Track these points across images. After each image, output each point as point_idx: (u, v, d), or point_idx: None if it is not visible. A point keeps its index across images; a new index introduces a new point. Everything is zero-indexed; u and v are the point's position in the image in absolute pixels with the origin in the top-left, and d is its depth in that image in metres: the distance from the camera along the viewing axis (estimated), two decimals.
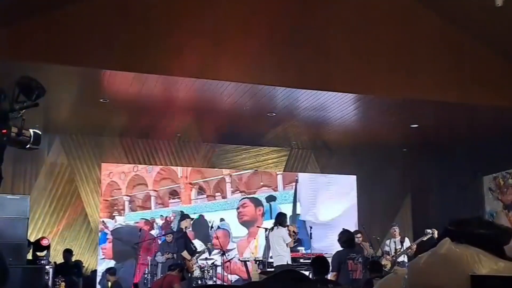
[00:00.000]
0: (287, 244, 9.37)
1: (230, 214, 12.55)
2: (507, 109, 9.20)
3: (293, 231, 10.04)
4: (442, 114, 9.76)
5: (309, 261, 9.10)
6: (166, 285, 8.05)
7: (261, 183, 12.91)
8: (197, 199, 12.59)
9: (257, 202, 12.90)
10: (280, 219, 9.67)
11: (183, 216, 10.97)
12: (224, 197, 12.71)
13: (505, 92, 9.08)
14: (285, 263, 9.17)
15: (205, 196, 12.61)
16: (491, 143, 10.84)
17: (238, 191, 12.79)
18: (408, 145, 12.24)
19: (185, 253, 9.91)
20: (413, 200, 13.27)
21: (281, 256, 9.24)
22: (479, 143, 11.09)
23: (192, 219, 11.03)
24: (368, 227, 11.23)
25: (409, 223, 12.91)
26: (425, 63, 8.80)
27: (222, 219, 11.53)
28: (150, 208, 12.21)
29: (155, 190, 12.30)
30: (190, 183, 12.53)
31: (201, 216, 12.18)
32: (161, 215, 12.17)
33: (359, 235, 10.56)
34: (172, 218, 12.08)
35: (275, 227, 9.57)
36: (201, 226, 12.05)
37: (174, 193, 12.43)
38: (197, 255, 10.51)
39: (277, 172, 13.00)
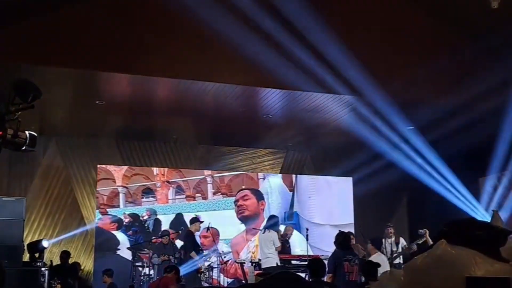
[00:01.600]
0: (276, 248, 9.52)
1: (210, 216, 11.82)
2: (504, 110, 9.22)
3: (281, 235, 10.21)
4: (438, 115, 9.76)
5: (303, 263, 9.22)
6: (162, 286, 8.04)
7: (243, 186, 12.63)
8: (175, 198, 12.16)
9: (259, 195, 12.46)
10: (272, 222, 9.87)
11: (192, 219, 10.96)
12: (205, 198, 12.25)
13: (501, 94, 9.10)
14: (275, 265, 9.39)
15: (184, 196, 12.18)
16: (489, 144, 10.86)
17: (220, 193, 12.41)
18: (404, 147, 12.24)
19: (193, 254, 10.03)
20: (409, 201, 13.27)
21: (270, 259, 9.53)
22: (477, 144, 11.11)
23: (202, 222, 11.03)
24: (365, 228, 11.23)
25: (405, 225, 12.91)
26: (422, 65, 8.80)
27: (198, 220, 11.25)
28: (118, 206, 11.73)
29: (124, 187, 11.84)
30: (168, 182, 12.07)
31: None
32: (124, 213, 11.69)
33: (351, 236, 10.63)
34: (146, 217, 11.86)
35: (266, 230, 9.74)
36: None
37: (148, 191, 11.98)
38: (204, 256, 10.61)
39: (259, 176, 12.76)
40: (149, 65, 7.67)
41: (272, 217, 10.27)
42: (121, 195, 11.75)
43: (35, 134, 2.99)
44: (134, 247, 10.96)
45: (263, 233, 9.99)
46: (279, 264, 9.49)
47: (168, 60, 7.76)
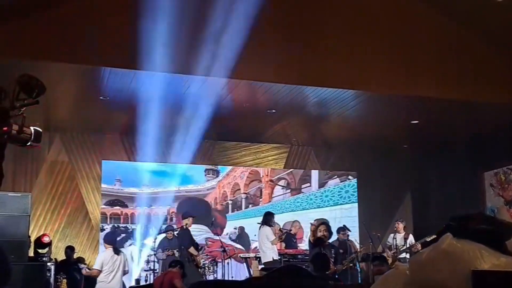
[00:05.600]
0: (271, 242, 9.71)
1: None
2: (508, 105, 9.19)
3: (280, 230, 10.33)
4: (442, 110, 9.75)
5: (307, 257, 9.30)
6: (167, 281, 8.05)
7: None
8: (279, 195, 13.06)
9: None
10: (266, 218, 10.01)
11: (185, 214, 10.98)
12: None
13: (505, 88, 9.08)
14: (271, 260, 9.51)
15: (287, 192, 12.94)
16: (492, 139, 10.85)
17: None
18: (408, 141, 12.24)
19: (192, 249, 10.06)
20: (413, 196, 13.27)
21: (265, 254, 9.68)
22: (480, 139, 11.09)
23: (194, 217, 11.07)
24: (368, 223, 11.24)
25: (410, 219, 12.90)
26: (425, 60, 8.79)
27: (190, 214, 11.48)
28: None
29: (245, 193, 12.88)
30: (271, 180, 13.01)
31: None
32: None
33: (345, 231, 10.69)
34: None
35: (262, 226, 9.86)
36: None
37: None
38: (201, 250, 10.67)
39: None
40: (153, 60, 7.66)
41: (266, 214, 10.46)
42: (243, 201, 12.88)
43: (40, 130, 2.99)
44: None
45: (259, 228, 10.18)
46: (275, 258, 9.58)
47: (171, 55, 7.75)
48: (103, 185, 11.63)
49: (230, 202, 12.81)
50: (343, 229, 10.62)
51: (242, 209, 12.75)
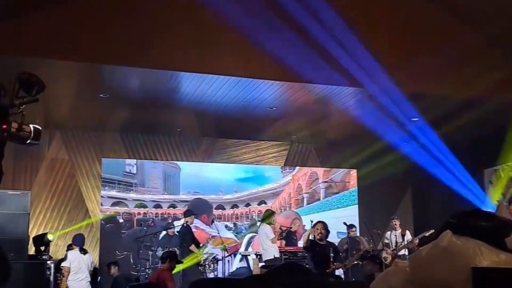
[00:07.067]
0: (271, 240, 9.71)
1: None
2: (508, 102, 9.19)
3: (280, 227, 10.33)
4: (443, 107, 9.73)
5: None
6: (161, 281, 8.05)
7: None
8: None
9: None
10: (266, 216, 10.03)
11: (188, 212, 11.00)
12: None
13: (505, 86, 9.07)
14: (272, 258, 9.49)
15: None
16: (492, 136, 10.84)
17: None
18: (409, 139, 12.22)
19: (193, 247, 10.12)
20: (414, 193, 13.26)
21: (266, 251, 9.68)
22: (481, 136, 11.08)
23: (196, 214, 11.10)
24: (369, 220, 11.24)
25: (410, 217, 12.91)
26: (426, 57, 8.77)
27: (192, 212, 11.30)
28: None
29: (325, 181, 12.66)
30: None
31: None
32: None
33: (354, 229, 10.71)
34: None
35: (261, 224, 9.87)
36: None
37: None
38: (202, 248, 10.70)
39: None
40: (153, 58, 7.66)
41: (266, 211, 10.48)
42: (321, 191, 12.61)
43: (40, 128, 2.98)
44: (139, 239, 10.98)
45: (259, 226, 10.20)
46: (276, 256, 9.59)
47: (171, 53, 7.75)
48: (212, 196, 12.06)
49: (305, 195, 12.58)
50: (351, 226, 10.67)
51: (321, 200, 12.41)
